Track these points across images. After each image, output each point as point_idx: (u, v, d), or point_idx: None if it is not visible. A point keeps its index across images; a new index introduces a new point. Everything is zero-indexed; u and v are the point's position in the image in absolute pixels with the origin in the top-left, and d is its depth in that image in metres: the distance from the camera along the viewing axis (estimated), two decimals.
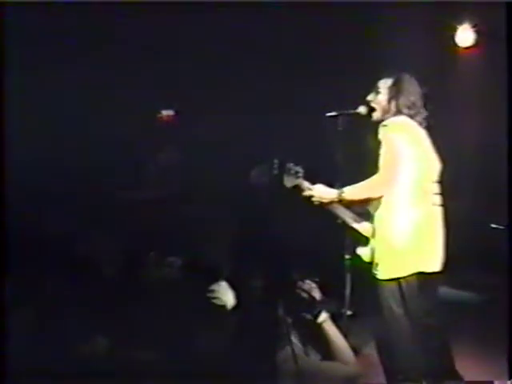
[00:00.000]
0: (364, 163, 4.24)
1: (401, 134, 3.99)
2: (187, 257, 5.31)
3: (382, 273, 4.00)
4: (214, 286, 4.78)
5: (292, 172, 4.17)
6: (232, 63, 7.41)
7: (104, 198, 6.61)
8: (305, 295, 4.21)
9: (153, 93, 7.43)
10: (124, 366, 3.97)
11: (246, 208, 7.18)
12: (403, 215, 3.98)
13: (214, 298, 4.70)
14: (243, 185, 8.17)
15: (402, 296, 3.94)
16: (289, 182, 4.18)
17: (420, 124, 4.13)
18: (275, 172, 4.22)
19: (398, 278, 3.95)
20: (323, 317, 4.15)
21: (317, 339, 4.17)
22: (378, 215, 4.05)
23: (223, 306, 5.25)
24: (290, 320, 4.11)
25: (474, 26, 7.43)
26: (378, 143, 4.04)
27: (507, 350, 4.26)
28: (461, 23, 7.45)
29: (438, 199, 4.11)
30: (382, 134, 4.03)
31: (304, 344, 4.18)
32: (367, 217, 4.15)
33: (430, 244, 4.03)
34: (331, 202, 4.11)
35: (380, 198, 4.02)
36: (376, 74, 4.24)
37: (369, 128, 4.26)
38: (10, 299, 4.15)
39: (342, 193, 4.04)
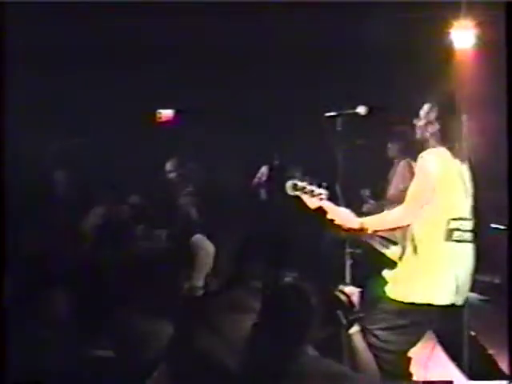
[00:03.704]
0: (363, 163, 4.24)
1: (434, 168, 3.97)
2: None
3: (391, 291, 4.02)
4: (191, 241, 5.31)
5: (315, 193, 4.13)
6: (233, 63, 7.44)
7: None
8: (343, 298, 4.08)
9: (153, 92, 7.45)
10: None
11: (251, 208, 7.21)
12: (424, 247, 3.97)
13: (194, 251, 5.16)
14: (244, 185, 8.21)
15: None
16: (311, 203, 4.14)
17: (456, 155, 4.08)
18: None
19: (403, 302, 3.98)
20: (355, 329, 4.05)
21: (342, 347, 4.07)
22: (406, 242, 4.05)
23: (208, 254, 5.44)
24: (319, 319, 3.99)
25: (474, 26, 7.45)
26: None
27: (507, 350, 4.25)
28: (461, 23, 7.46)
29: (463, 235, 4.03)
30: (418, 165, 4.04)
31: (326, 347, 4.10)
32: (394, 241, 4.15)
33: (443, 278, 3.99)
34: (352, 230, 4.10)
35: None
36: (374, 72, 4.21)
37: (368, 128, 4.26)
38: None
39: (364, 223, 4.03)
